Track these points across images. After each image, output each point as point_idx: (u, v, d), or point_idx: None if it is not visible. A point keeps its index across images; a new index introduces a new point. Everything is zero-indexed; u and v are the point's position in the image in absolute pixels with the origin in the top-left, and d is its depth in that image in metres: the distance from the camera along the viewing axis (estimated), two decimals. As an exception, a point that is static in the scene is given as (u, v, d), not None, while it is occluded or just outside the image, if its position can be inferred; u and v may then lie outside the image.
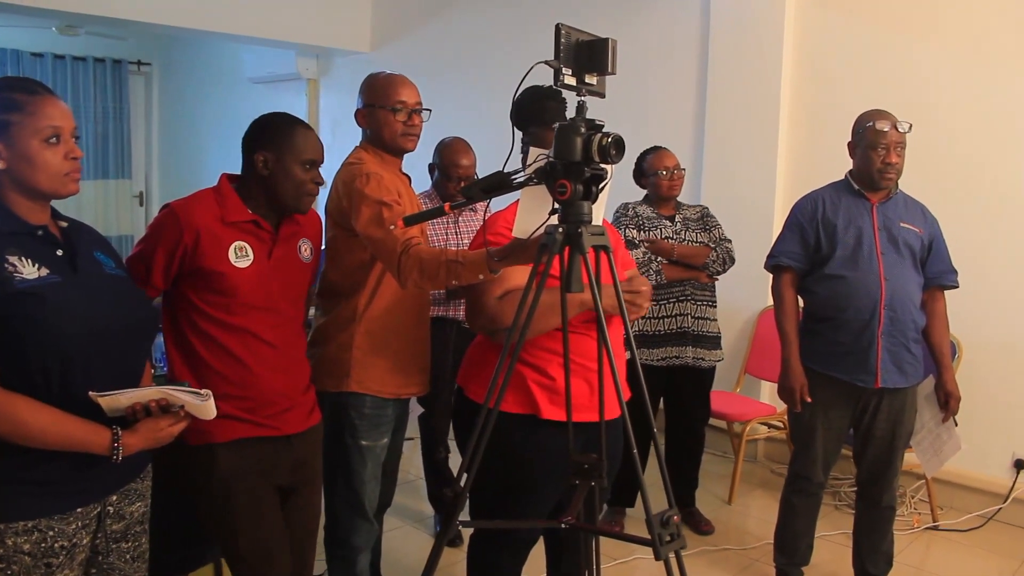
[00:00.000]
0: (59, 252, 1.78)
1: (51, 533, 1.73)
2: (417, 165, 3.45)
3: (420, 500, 4.16)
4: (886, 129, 2.96)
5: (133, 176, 9.23)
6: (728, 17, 4.93)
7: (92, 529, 1.82)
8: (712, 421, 4.22)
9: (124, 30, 7.74)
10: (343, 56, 7.16)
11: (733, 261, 3.84)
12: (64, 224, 1.86)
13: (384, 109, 2.55)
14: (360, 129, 2.65)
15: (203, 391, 1.81)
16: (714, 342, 3.86)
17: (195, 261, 2.12)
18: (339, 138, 2.51)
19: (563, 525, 2.08)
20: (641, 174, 3.92)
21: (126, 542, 1.91)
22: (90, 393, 1.69)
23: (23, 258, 1.70)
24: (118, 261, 1.95)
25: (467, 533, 2.99)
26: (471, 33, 6.29)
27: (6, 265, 1.67)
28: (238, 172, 2.28)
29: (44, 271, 1.72)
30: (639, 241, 3.73)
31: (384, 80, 2.60)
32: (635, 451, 1.88)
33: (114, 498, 1.86)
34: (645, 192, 3.94)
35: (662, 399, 3.92)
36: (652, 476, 2.20)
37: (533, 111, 2.33)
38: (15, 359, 1.68)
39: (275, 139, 2.20)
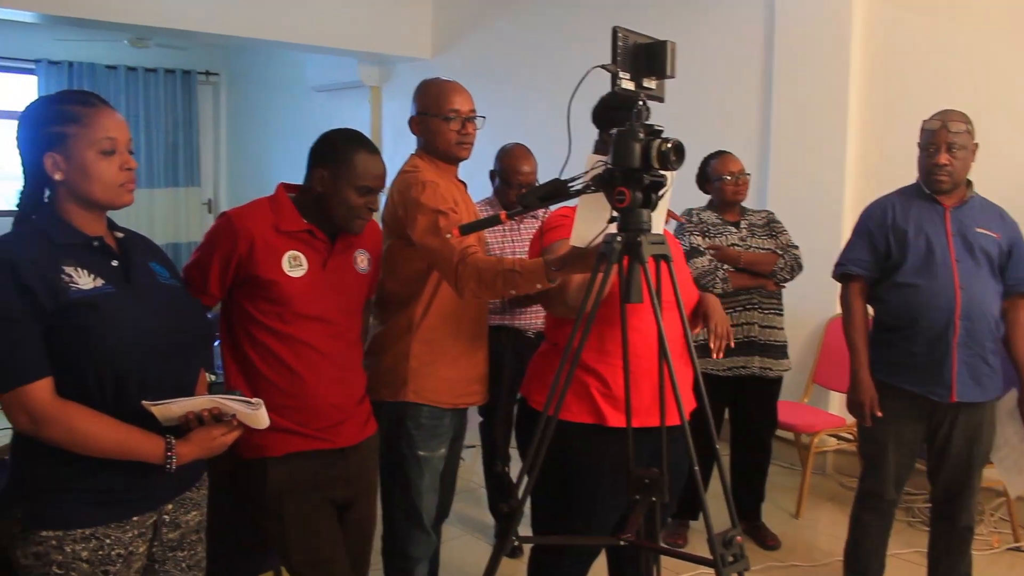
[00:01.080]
0: (114, 263, 1.79)
1: (108, 541, 1.74)
2: (478, 172, 3.43)
3: (481, 509, 4.13)
4: (936, 128, 2.83)
5: (202, 184, 9.42)
6: (794, 16, 4.81)
7: (148, 537, 1.83)
8: (779, 432, 4.11)
9: (192, 41, 7.90)
10: (405, 63, 7.20)
11: (801, 268, 3.73)
12: (120, 235, 1.87)
13: (437, 118, 2.53)
14: (419, 136, 2.63)
15: (254, 400, 1.81)
16: (781, 351, 3.76)
17: (249, 269, 2.12)
18: (401, 145, 2.51)
19: (622, 542, 2.03)
20: (705, 179, 3.84)
21: (182, 551, 1.92)
22: (143, 402, 1.70)
23: (79, 269, 1.72)
24: (173, 271, 1.96)
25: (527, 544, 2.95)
26: (532, 37, 6.26)
27: (62, 276, 1.69)
28: (301, 181, 2.27)
29: (99, 281, 1.73)
30: (704, 248, 3.65)
31: (437, 88, 2.58)
32: (696, 467, 1.81)
33: (170, 507, 1.87)
34: (709, 198, 3.86)
35: (728, 410, 3.83)
36: (716, 489, 2.13)
37: (617, 113, 2.29)
38: (70, 368, 1.69)
39: (335, 159, 2.18)
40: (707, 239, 3.69)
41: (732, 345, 2.37)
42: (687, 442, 1.83)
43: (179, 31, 6.04)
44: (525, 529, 2.11)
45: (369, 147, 2.22)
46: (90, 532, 1.72)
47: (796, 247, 3.76)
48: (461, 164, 2.65)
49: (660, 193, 1.88)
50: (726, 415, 3.87)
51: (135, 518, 1.78)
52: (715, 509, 1.85)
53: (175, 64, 8.91)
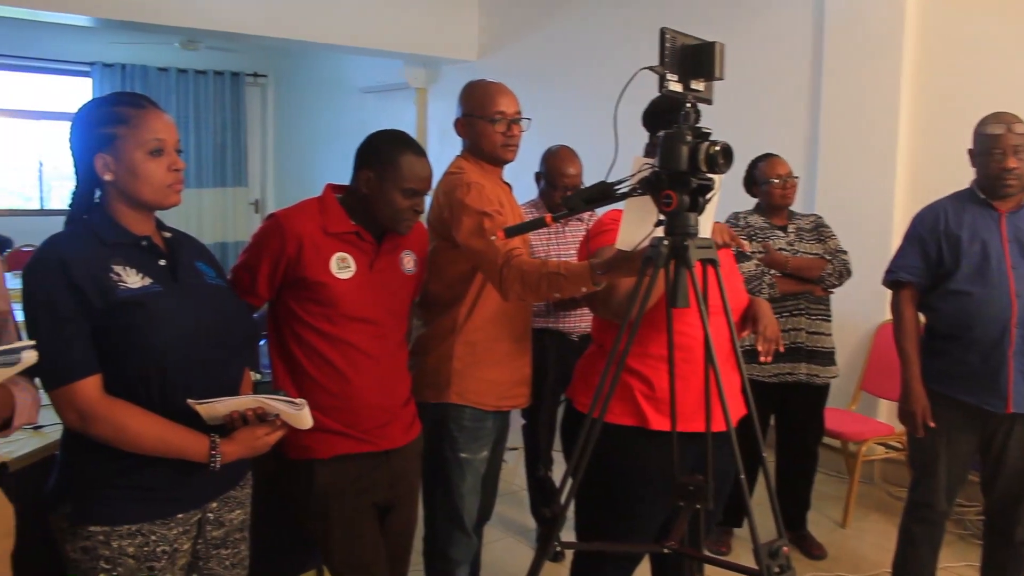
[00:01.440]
0: (162, 262, 1.82)
1: (153, 537, 1.76)
2: (524, 174, 3.42)
3: (524, 512, 4.11)
4: (1000, 132, 2.75)
5: (249, 184, 9.54)
6: (845, 16, 4.72)
7: (192, 535, 1.85)
8: (826, 440, 4.04)
9: (241, 44, 8.01)
10: (451, 65, 7.22)
11: (850, 274, 3.67)
12: (168, 234, 1.90)
13: (483, 119, 2.52)
14: (464, 138, 2.62)
15: (298, 400, 1.81)
16: (828, 358, 3.70)
17: (297, 271, 2.13)
18: (447, 147, 2.51)
19: (665, 550, 2.00)
20: (753, 182, 3.79)
21: (225, 549, 1.93)
22: (188, 400, 1.72)
23: (127, 268, 1.74)
24: (219, 271, 1.98)
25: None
26: (578, 39, 6.24)
27: (111, 275, 1.71)
28: (347, 182, 2.28)
29: (147, 280, 1.75)
30: (751, 253, 3.61)
31: (482, 89, 2.57)
32: (742, 476, 1.78)
33: (214, 505, 1.88)
34: (756, 201, 3.81)
35: (774, 417, 3.78)
36: (762, 496, 2.10)
37: (668, 117, 2.27)
38: (118, 366, 1.72)
39: (381, 160, 2.18)
40: (754, 243, 3.64)
41: (782, 350, 2.33)
42: (733, 449, 1.80)
43: (229, 34, 6.12)
44: (568, 533, 2.10)
45: (415, 149, 2.21)
46: (136, 528, 1.74)
47: (845, 252, 3.69)
48: (506, 166, 2.64)
49: (707, 197, 1.85)
50: (772, 422, 3.82)
51: (179, 515, 1.80)
52: (761, 517, 1.82)
53: (224, 66, 9.03)
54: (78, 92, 8.47)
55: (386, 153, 2.18)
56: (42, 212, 8.25)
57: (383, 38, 6.54)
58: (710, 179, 1.82)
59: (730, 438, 1.81)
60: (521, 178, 2.96)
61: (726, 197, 2.09)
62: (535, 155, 3.71)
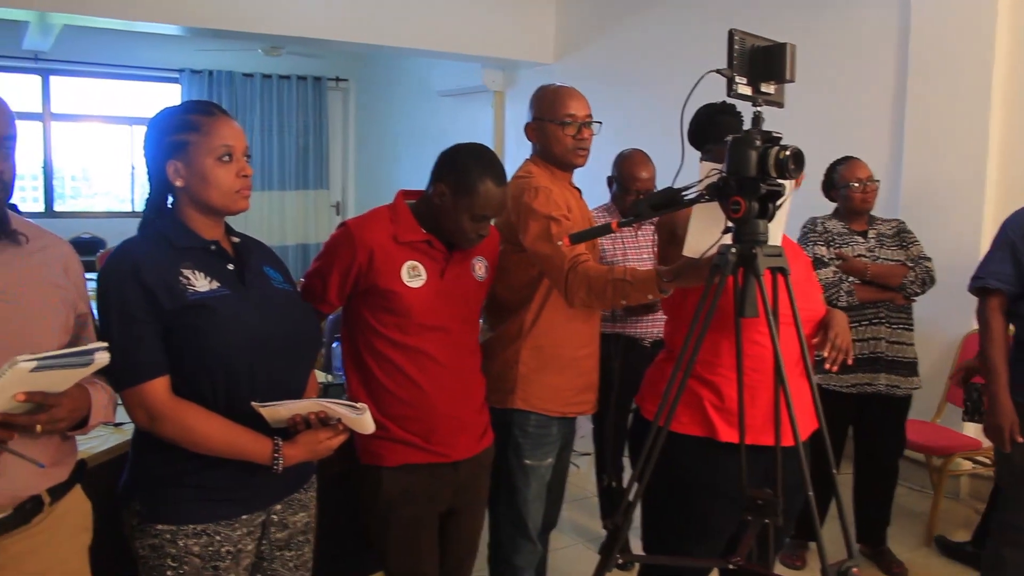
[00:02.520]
0: (230, 266, 1.85)
1: (218, 538, 1.79)
2: (595, 178, 3.39)
3: (594, 519, 4.07)
4: None
5: (331, 187, 9.71)
6: (933, 13, 4.54)
7: (257, 536, 1.87)
8: (908, 452, 3.90)
9: (323, 49, 8.16)
10: (528, 68, 7.22)
11: (933, 281, 3.53)
12: (236, 239, 1.93)
13: (553, 123, 2.50)
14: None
15: (359, 405, 1.82)
16: (910, 368, 3.56)
17: (369, 279, 2.14)
18: (523, 150, 2.50)
19: (732, 565, 1.96)
20: (831, 186, 3.68)
21: (289, 551, 1.95)
22: (252, 403, 1.74)
23: (196, 271, 1.78)
24: (286, 276, 2.00)
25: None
26: (654, 41, 6.18)
27: (181, 278, 1.75)
28: (424, 186, 2.29)
29: (215, 284, 1.79)
30: (828, 259, 3.51)
31: (553, 93, 2.55)
32: (810, 492, 1.73)
33: (278, 507, 1.90)
34: (835, 206, 3.70)
35: (852, 428, 3.67)
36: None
37: (708, 128, 2.23)
38: (185, 368, 1.75)
39: (459, 181, 2.14)
40: (832, 249, 3.54)
41: (850, 362, 2.24)
42: (802, 464, 1.75)
43: (311, 39, 6.25)
44: (637, 542, 2.07)
45: (495, 175, 2.16)
46: (201, 528, 1.78)
47: (928, 259, 3.56)
48: (578, 169, 2.62)
49: (778, 203, 1.80)
50: (849, 433, 3.70)
51: (244, 516, 1.83)
52: (835, 532, 1.77)
53: (307, 71, 9.21)
54: (168, 98, 8.76)
55: (467, 176, 2.13)
56: (133, 214, 8.56)
57: (461, 41, 6.59)
58: (780, 185, 1.78)
59: (799, 453, 1.75)
60: (593, 182, 2.94)
61: (806, 202, 2.04)
62: (608, 159, 3.67)
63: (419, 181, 2.29)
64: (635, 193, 3.56)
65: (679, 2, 5.99)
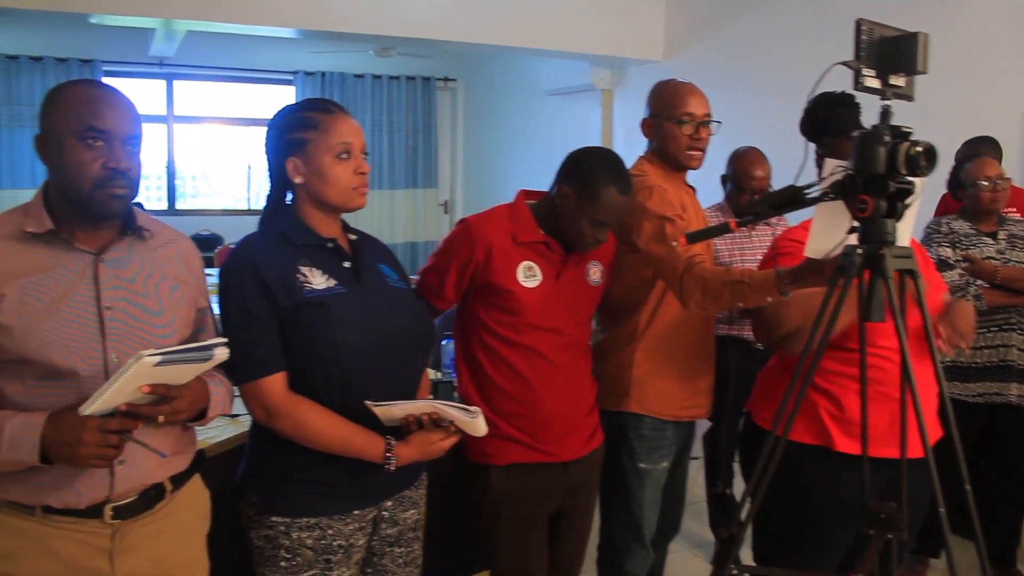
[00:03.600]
0: (346, 264, 1.87)
1: (330, 532, 1.82)
2: (709, 176, 3.31)
3: (703, 525, 4.00)
4: None
5: (439, 186, 9.81)
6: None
7: (368, 532, 1.89)
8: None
9: (432, 49, 8.25)
10: (637, 65, 7.13)
11: (1071, 285, 3.32)
12: (353, 236, 1.95)
13: (670, 121, 2.44)
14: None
15: (472, 408, 1.82)
16: (1045, 378, 3.36)
17: (485, 276, 2.15)
18: (632, 149, 2.46)
19: (851, 581, 1.87)
20: (958, 185, 3.50)
21: (399, 547, 1.97)
22: (366, 402, 1.76)
23: (313, 269, 1.80)
24: (402, 274, 2.02)
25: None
26: (769, 36, 6.00)
27: (298, 275, 1.78)
28: (534, 186, 2.27)
29: (331, 282, 1.81)
30: (954, 261, 3.34)
31: (672, 90, 2.50)
32: (942, 509, 1.64)
33: (389, 504, 1.92)
34: (962, 205, 3.52)
35: (979, 440, 3.48)
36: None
37: (826, 120, 2.14)
38: (301, 365, 1.78)
39: (584, 186, 2.12)
40: (958, 251, 3.37)
41: (965, 348, 2.11)
42: (932, 478, 1.66)
43: (421, 40, 6.32)
44: (748, 552, 2.01)
45: (621, 184, 2.13)
46: (315, 522, 1.81)
47: (1066, 262, 3.35)
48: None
49: (907, 202, 1.71)
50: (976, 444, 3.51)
51: (356, 512, 1.85)
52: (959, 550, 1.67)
53: (416, 71, 9.33)
54: (283, 99, 9.01)
55: (592, 181, 2.11)
56: (249, 212, 8.84)
57: (569, 39, 6.55)
58: (910, 183, 1.69)
59: (927, 465, 1.66)
60: (706, 181, 2.86)
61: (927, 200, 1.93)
62: (721, 157, 3.59)
63: (527, 180, 2.29)
64: (750, 192, 3.47)
65: (796, -5, 5.82)
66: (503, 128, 9.13)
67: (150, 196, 8.66)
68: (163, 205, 8.66)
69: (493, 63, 9.11)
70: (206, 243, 7.63)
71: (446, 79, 9.71)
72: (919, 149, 1.64)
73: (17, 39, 7.72)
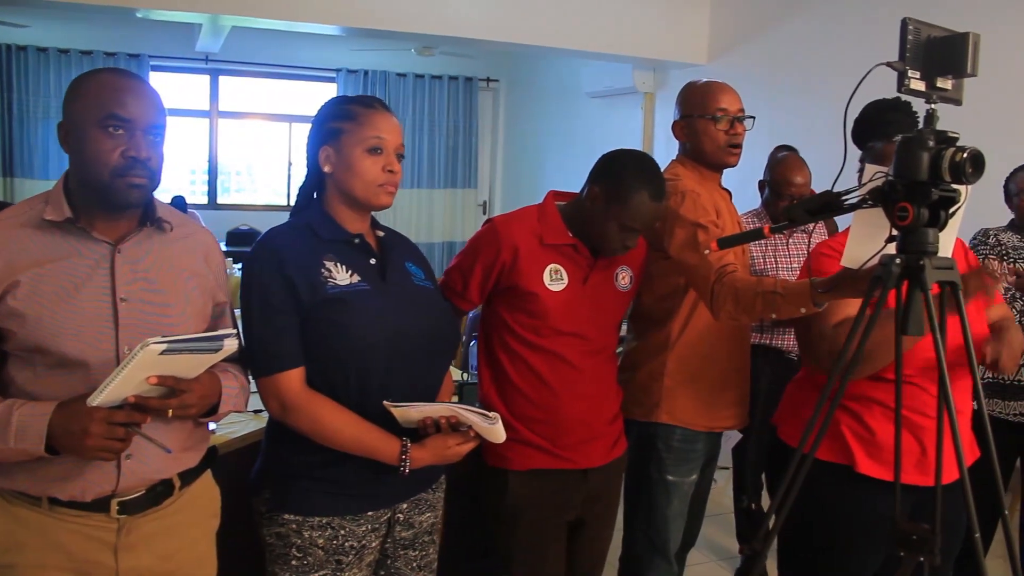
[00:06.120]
0: (372, 261, 1.84)
1: (342, 532, 1.79)
2: (746, 181, 3.24)
3: (730, 536, 3.92)
4: None
5: (479, 186, 9.80)
6: None
7: (382, 534, 1.86)
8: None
9: (475, 49, 8.24)
10: (679, 69, 7.05)
11: (1125, 303, 3.19)
12: (381, 233, 1.92)
13: (704, 118, 2.38)
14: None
15: (492, 414, 1.78)
16: (1092, 398, 3.22)
17: (511, 278, 2.10)
18: (673, 153, 2.41)
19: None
20: (1008, 194, 3.38)
21: (413, 550, 1.93)
22: (384, 403, 1.72)
23: (338, 264, 1.77)
24: (428, 273, 1.98)
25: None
26: (816, 40, 5.88)
27: (322, 270, 1.75)
28: (574, 189, 2.22)
29: (356, 278, 1.78)
30: (1000, 275, 3.21)
31: (702, 87, 2.43)
32: (977, 535, 1.56)
33: (404, 506, 1.88)
34: (1011, 216, 3.40)
35: (1019, 461, 3.36)
36: (1000, 548, 1.84)
37: (875, 124, 2.06)
38: (320, 361, 1.75)
39: (615, 187, 2.06)
40: (1005, 264, 3.25)
41: (1007, 371, 2.02)
42: (968, 504, 1.58)
43: (463, 39, 6.30)
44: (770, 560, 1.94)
45: (653, 189, 2.06)
46: (327, 521, 1.77)
47: (1120, 278, 3.21)
48: (728, 173, 2.48)
49: (951, 211, 1.63)
50: (1016, 465, 3.39)
51: (369, 513, 1.82)
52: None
53: (458, 71, 9.33)
54: (325, 97, 9.04)
55: (623, 183, 2.05)
56: (288, 208, 8.87)
57: (611, 41, 6.50)
58: (955, 191, 1.61)
59: (963, 489, 1.58)
60: (743, 186, 2.79)
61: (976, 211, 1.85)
62: (759, 161, 3.51)
63: (566, 182, 2.24)
64: (788, 198, 3.38)
65: (844, -1, 5.70)
66: (543, 130, 9.09)
67: (195, 191, 8.75)
68: (204, 199, 8.75)
69: (535, 64, 9.07)
70: (244, 238, 7.67)
71: (488, 79, 9.70)
72: (965, 155, 1.56)
73: (67, 34, 7.88)
